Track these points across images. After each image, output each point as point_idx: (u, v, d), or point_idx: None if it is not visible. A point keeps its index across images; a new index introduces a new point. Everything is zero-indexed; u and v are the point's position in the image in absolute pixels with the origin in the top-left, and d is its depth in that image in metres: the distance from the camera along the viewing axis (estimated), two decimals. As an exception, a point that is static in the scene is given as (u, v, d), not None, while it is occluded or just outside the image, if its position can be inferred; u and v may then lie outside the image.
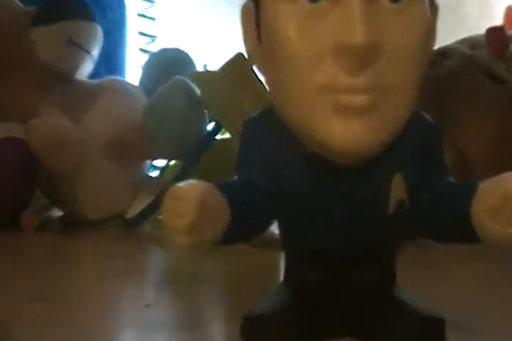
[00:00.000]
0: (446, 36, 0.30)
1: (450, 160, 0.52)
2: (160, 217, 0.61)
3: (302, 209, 0.28)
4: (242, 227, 0.27)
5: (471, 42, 0.69)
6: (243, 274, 0.46)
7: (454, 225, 0.27)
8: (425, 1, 0.27)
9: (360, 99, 0.26)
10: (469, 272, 0.46)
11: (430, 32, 0.28)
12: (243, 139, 0.29)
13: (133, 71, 0.87)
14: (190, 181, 0.25)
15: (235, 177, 0.29)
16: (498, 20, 0.80)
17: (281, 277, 0.30)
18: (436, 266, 0.46)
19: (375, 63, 0.26)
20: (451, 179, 0.29)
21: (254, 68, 0.57)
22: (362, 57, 0.25)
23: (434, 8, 0.28)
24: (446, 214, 0.27)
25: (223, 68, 0.63)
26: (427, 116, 0.29)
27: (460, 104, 0.63)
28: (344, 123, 0.26)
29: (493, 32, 0.66)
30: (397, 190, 0.28)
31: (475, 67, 0.65)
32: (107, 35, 0.71)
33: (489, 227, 0.25)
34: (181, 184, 0.25)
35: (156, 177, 0.72)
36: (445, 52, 0.66)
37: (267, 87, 0.29)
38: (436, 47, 0.30)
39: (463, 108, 0.63)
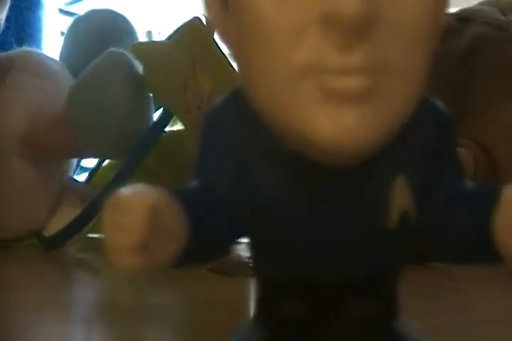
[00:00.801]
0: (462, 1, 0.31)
1: (471, 159, 0.52)
2: (90, 235, 0.61)
3: (280, 223, 0.29)
4: (202, 246, 0.28)
5: (501, 3, 0.69)
6: (202, 308, 0.46)
7: (471, 241, 0.28)
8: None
9: (354, 82, 0.26)
10: (494, 300, 0.47)
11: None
12: (204, 134, 0.30)
13: (52, 40, 0.87)
14: (136, 187, 0.26)
15: (193, 183, 0.29)
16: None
17: (252, 311, 0.31)
18: (453, 292, 0.47)
19: (371, 37, 0.26)
20: (468, 182, 0.30)
21: (216, 38, 0.57)
22: (355, 30, 0.26)
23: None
24: (461, 227, 0.28)
25: (174, 37, 0.63)
26: (439, 104, 0.30)
27: (487, 86, 0.63)
28: (333, 114, 0.26)
29: None
30: (400, 197, 0.29)
31: (507, 36, 0.66)
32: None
33: None
34: (125, 190, 0.25)
35: (84, 182, 0.72)
36: (467, 17, 0.67)
37: (233, 64, 0.30)
38: (454, 10, 0.31)
39: (491, 91, 0.63)
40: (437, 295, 0.48)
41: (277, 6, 0.26)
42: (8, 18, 0.70)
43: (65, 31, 0.76)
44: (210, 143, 0.30)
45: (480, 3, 0.70)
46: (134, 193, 0.25)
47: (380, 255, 0.30)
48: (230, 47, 0.30)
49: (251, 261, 0.31)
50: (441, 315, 0.43)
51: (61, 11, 0.99)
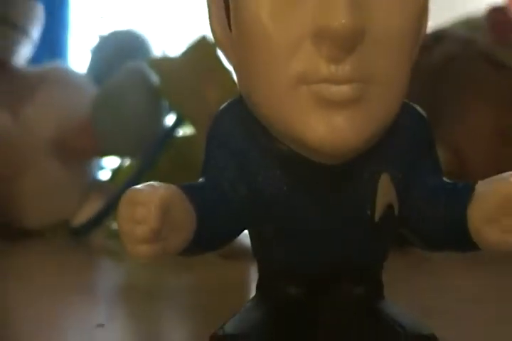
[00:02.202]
0: (440, 17, 0.30)
1: (444, 160, 0.52)
2: (113, 225, 0.61)
3: (278, 215, 0.28)
4: (209, 236, 0.27)
5: (469, 23, 0.69)
6: (210, 289, 0.46)
7: (447, 231, 0.27)
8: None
9: (344, 90, 0.25)
10: (469, 282, 0.47)
11: (422, 11, 0.28)
12: (211, 136, 0.29)
13: (79, 56, 0.87)
14: (150, 183, 0.25)
15: (200, 179, 0.29)
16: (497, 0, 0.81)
17: (254, 292, 0.30)
18: (432, 274, 0.47)
19: (360, 49, 0.26)
20: (446, 180, 0.29)
21: (220, 55, 0.58)
22: (345, 43, 0.25)
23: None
24: (439, 218, 0.28)
25: (185, 53, 0.63)
26: (419, 109, 0.30)
27: (456, 96, 0.63)
28: (325, 117, 0.26)
29: (496, 12, 0.67)
30: (385, 192, 0.28)
31: (474, 52, 0.66)
32: (48, 13, 0.70)
33: (487, 233, 0.26)
34: (140, 186, 0.25)
35: (107, 180, 0.72)
36: (439, 36, 0.67)
37: (235, 75, 0.29)
38: (428, 30, 0.30)
39: (459, 100, 0.63)
40: (415, 277, 0.47)
41: (275, 22, 0.26)
42: (40, 36, 0.69)
43: (92, 49, 0.76)
44: (215, 144, 0.29)
45: (451, 24, 0.69)
46: (147, 188, 0.25)
47: (367, 244, 0.29)
48: (231, 61, 0.29)
49: (253, 248, 0.30)
50: (419, 295, 0.42)
51: (88, 31, 0.98)
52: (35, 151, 0.65)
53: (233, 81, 0.51)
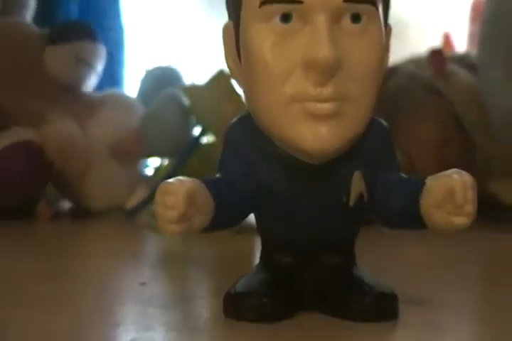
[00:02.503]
0: (393, 56, 0.29)
1: (399, 161, 0.53)
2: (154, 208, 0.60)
3: (277, 202, 0.28)
4: (224, 217, 0.26)
5: (414, 61, 0.69)
6: (225, 256, 0.45)
7: (404, 215, 0.27)
8: (381, 23, 0.27)
9: (326, 107, 0.25)
10: (419, 251, 0.46)
11: (385, 49, 0.27)
12: (225, 142, 0.29)
13: (131, 84, 0.86)
14: (179, 177, 0.25)
15: (218, 175, 0.28)
16: (435, 43, 0.81)
17: (258, 259, 0.30)
18: (390, 245, 0.46)
19: (338, 76, 0.25)
20: (403, 175, 0.28)
21: (234, 81, 0.58)
22: (327, 71, 0.25)
23: (388, 29, 0.28)
24: (398, 205, 0.27)
25: (208, 82, 0.63)
26: (383, 122, 0.29)
27: (406, 115, 0.63)
28: (312, 128, 0.25)
29: (435, 53, 0.67)
30: (357, 185, 0.27)
31: (419, 82, 0.66)
32: (109, 53, 0.70)
33: (435, 216, 0.25)
34: (171, 180, 0.24)
35: (150, 175, 0.71)
36: (394, 70, 0.67)
37: (244, 97, 0.29)
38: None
39: (408, 118, 0.63)
40: (379, 248, 0.47)
41: (273, 56, 0.25)
42: (103, 70, 0.69)
43: (140, 79, 0.76)
44: (229, 149, 0.29)
45: (402, 61, 0.69)
46: (176, 182, 0.24)
47: (344, 223, 0.28)
48: (241, 85, 0.29)
49: (257, 226, 0.30)
50: (382, 261, 0.41)
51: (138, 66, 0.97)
52: (98, 154, 0.65)
53: (243, 101, 0.51)
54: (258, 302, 0.27)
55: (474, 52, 0.69)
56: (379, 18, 0.26)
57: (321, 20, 0.25)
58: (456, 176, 0.25)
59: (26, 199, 0.61)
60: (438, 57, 0.66)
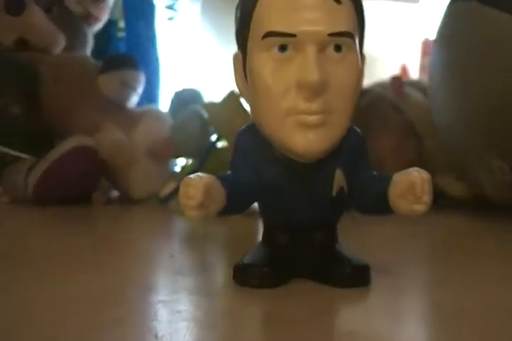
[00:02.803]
0: (365, 81, 0.28)
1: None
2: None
3: (276, 193, 0.26)
4: (234, 205, 0.25)
5: (381, 85, 0.68)
6: (236, 234, 0.44)
7: (375, 203, 0.25)
8: (357, 53, 0.25)
9: (314, 118, 0.24)
10: (384, 229, 0.45)
11: (361, 73, 0.26)
12: (235, 146, 0.27)
13: (164, 102, 0.85)
14: (199, 174, 0.23)
15: (229, 172, 0.27)
16: (395, 72, 0.80)
17: (260, 238, 0.28)
18: (363, 225, 0.45)
19: (323, 94, 0.24)
20: (374, 173, 0.27)
21: (242, 100, 0.57)
22: (315, 90, 0.24)
23: (363, 58, 0.26)
24: (370, 196, 0.26)
25: (222, 100, 0.62)
26: (358, 130, 0.28)
27: (375, 126, 0.62)
28: (303, 135, 0.24)
29: (395, 79, 0.67)
30: (339, 180, 0.26)
31: (384, 101, 0.65)
32: (147, 78, 0.69)
33: (400, 204, 0.24)
34: (192, 176, 0.23)
35: (178, 171, 0.70)
36: (365, 91, 0.66)
37: (250, 111, 0.27)
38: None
39: (377, 128, 0.62)
40: (356, 229, 0.45)
41: (273, 78, 0.24)
42: (142, 91, 0.68)
43: (171, 98, 0.74)
44: (238, 151, 0.27)
45: (372, 83, 0.68)
46: (196, 177, 0.23)
47: (329, 210, 0.27)
48: (248, 101, 0.27)
49: (260, 212, 0.28)
50: (358, 238, 0.39)
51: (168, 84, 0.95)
52: (139, 155, 0.63)
53: (249, 115, 0.50)
54: (260, 272, 0.25)
55: (425, 79, 0.68)
56: (356, 49, 0.25)
57: (310, 50, 0.24)
58: (416, 173, 0.23)
59: (85, 190, 0.60)
60: (398, 82, 0.66)
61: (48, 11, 0.67)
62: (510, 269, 0.32)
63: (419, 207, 0.23)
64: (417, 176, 0.23)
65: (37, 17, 0.65)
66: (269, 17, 0.24)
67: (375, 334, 0.20)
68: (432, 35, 0.55)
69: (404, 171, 0.24)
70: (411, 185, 0.23)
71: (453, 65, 0.50)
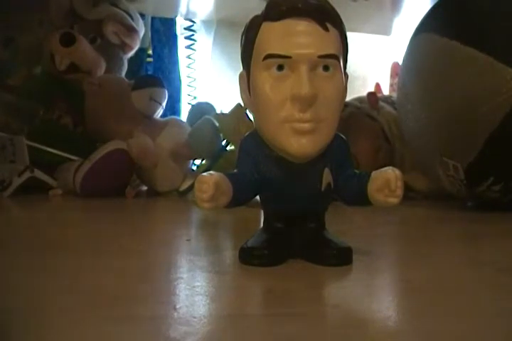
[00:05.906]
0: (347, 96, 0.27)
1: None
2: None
3: (274, 188, 0.25)
4: (239, 198, 0.24)
5: (358, 99, 0.67)
6: (241, 221, 0.43)
7: (356, 196, 0.25)
8: (342, 72, 0.24)
9: (306, 126, 0.23)
10: (361, 218, 0.44)
11: (344, 89, 0.25)
12: (240, 149, 0.26)
13: (184, 113, 0.84)
14: (210, 172, 0.23)
15: (235, 171, 0.26)
16: (371, 88, 0.79)
17: (261, 224, 0.28)
18: (348, 216, 0.44)
19: (314, 106, 0.23)
20: (356, 171, 0.26)
21: (247, 111, 0.56)
22: (307, 102, 0.23)
23: (346, 76, 0.25)
24: (352, 190, 0.25)
25: (230, 112, 0.61)
26: (343, 136, 0.27)
27: (354, 132, 0.61)
28: (297, 140, 0.23)
29: (371, 94, 0.65)
30: (326, 177, 0.25)
31: (361, 112, 0.64)
32: (170, 94, 0.69)
33: (377, 197, 0.23)
34: (205, 173, 0.22)
35: (195, 170, 0.69)
36: (346, 104, 0.65)
37: (253, 120, 0.26)
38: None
39: (355, 134, 0.61)
40: (340, 217, 0.44)
41: (272, 92, 0.23)
42: (166, 105, 0.67)
43: (189, 110, 0.73)
44: (243, 153, 0.26)
45: (352, 98, 0.67)
46: (208, 175, 0.22)
47: (318, 201, 0.26)
48: (251, 112, 0.26)
49: (260, 203, 0.27)
50: (342, 225, 0.38)
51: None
52: (163, 156, 0.63)
53: (252, 123, 0.49)
54: (261, 253, 0.25)
55: (394, 95, 0.67)
56: (341, 69, 0.24)
57: (303, 69, 0.23)
58: (390, 171, 0.23)
59: (120, 185, 0.60)
60: (373, 96, 0.65)
61: (92, 41, 0.69)
62: (466, 249, 0.31)
63: (393, 200, 0.23)
64: (391, 174, 0.22)
65: (84, 47, 0.66)
66: (269, 42, 0.24)
67: (356, 304, 0.20)
68: (400, 59, 0.54)
69: (380, 169, 0.23)
70: (386, 181, 0.22)
71: (416, 84, 0.49)
